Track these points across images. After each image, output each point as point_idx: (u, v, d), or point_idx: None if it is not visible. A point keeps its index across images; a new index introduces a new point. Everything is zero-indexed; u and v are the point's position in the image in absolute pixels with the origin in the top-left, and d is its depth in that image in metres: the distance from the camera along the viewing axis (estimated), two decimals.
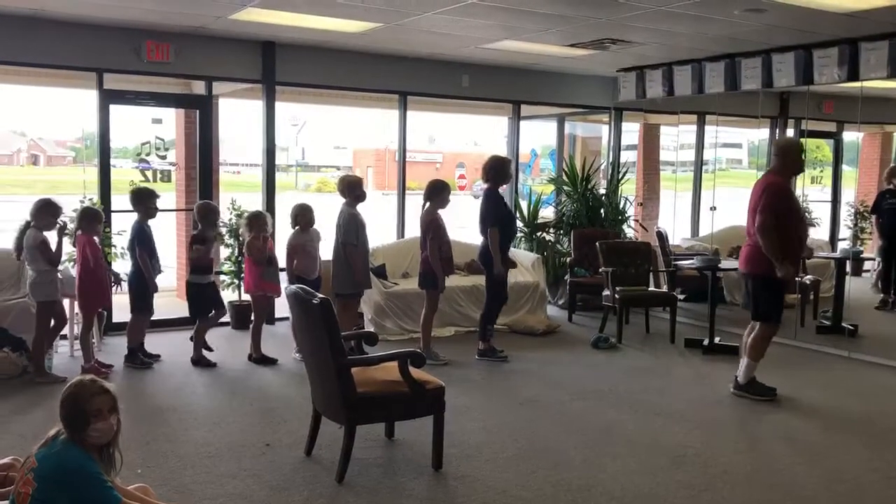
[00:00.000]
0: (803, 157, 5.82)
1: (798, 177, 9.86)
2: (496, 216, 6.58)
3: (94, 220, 6.10)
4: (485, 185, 6.81)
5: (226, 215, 7.80)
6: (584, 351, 7.16)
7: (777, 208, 5.42)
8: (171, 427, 4.97)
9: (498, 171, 6.71)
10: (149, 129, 7.62)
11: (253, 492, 3.97)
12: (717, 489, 4.14)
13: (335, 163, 41.75)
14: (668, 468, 4.41)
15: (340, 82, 8.29)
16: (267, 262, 6.52)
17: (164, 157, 7.64)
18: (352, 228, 6.46)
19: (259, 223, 6.53)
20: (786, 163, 5.62)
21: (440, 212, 6.66)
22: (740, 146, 15.58)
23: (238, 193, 8.37)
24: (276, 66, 7.79)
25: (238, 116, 14.57)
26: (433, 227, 6.55)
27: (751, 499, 4.04)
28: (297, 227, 6.53)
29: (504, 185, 7.14)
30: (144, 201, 6.37)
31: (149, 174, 7.60)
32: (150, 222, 6.42)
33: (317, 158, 41.71)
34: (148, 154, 7.59)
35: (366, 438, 4.63)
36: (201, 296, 6.48)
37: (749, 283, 5.74)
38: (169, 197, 8.78)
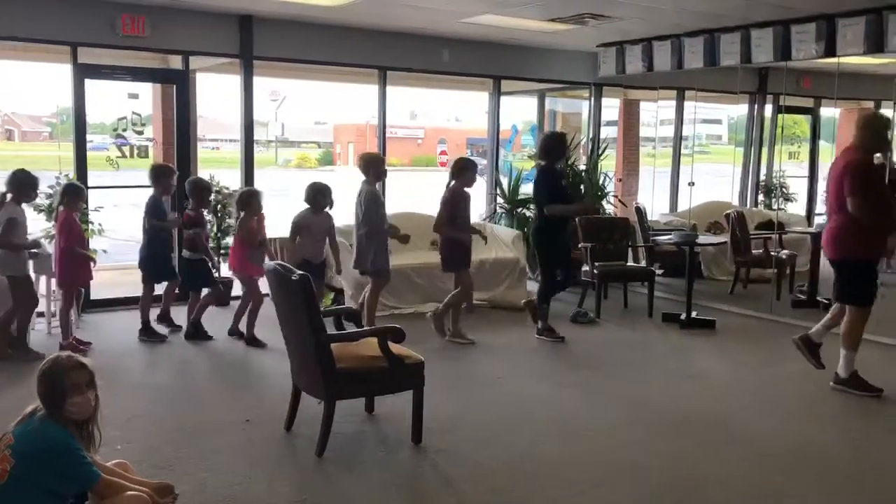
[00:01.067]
0: (888, 132, 5.46)
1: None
2: (549, 195, 6.41)
3: (77, 195, 6.06)
4: (541, 163, 6.61)
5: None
6: (564, 326, 7.20)
7: (863, 188, 5.05)
8: (151, 403, 4.97)
9: (552, 147, 6.57)
10: (125, 104, 7.53)
11: (233, 466, 3.99)
12: (695, 461, 4.22)
13: (315, 138, 41.49)
14: (646, 440, 4.48)
15: (319, 57, 8.22)
16: (258, 244, 6.38)
17: (140, 133, 7.55)
18: (373, 207, 6.35)
19: (253, 202, 6.37)
20: (865, 137, 5.23)
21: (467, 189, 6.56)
22: (720, 122, 15.65)
23: (218, 169, 8.32)
24: (254, 40, 7.70)
25: (217, 91, 14.47)
26: (453, 202, 6.41)
27: (713, 454, 4.13)
28: (308, 208, 6.32)
29: (559, 162, 6.86)
30: (162, 179, 6.43)
31: (126, 150, 7.52)
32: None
33: (297, 134, 41.39)
34: (124, 130, 7.50)
35: (346, 413, 4.65)
36: (195, 271, 6.51)
37: (839, 269, 5.37)
38: (146, 173, 8.71)
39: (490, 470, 4.04)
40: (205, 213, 6.76)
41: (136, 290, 6.68)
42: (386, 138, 8.98)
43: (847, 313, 5.30)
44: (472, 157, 7.07)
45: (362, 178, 6.47)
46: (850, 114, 11.06)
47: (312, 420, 4.28)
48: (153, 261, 6.51)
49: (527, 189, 9.89)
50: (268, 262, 4.45)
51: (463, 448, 4.30)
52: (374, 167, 6.47)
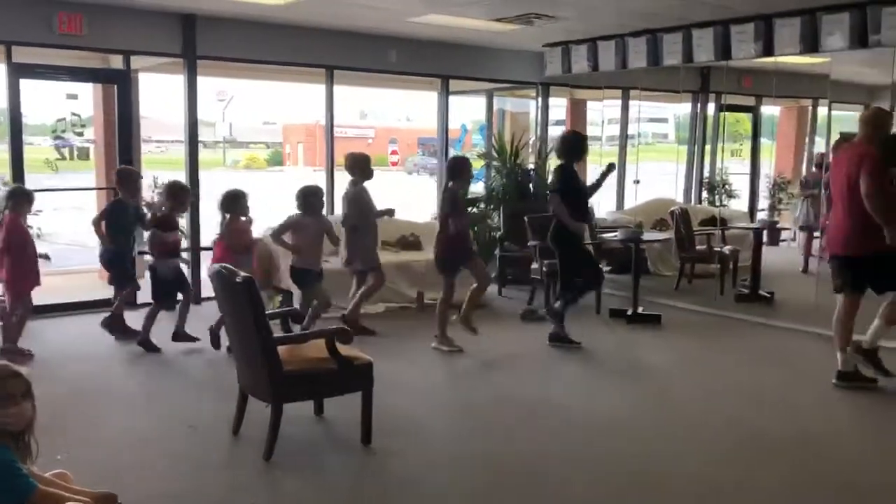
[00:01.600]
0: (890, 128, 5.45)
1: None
2: (560, 186, 6.31)
3: (25, 200, 5.90)
4: (560, 162, 6.52)
5: (147, 194, 7.63)
6: (514, 324, 7.27)
7: (880, 177, 5.04)
8: (93, 411, 4.86)
9: (572, 147, 6.48)
10: (64, 104, 7.35)
11: (179, 473, 3.93)
12: (642, 453, 4.29)
13: (264, 139, 41.00)
14: (597, 436, 4.54)
15: (265, 56, 8.13)
16: (244, 249, 6.05)
17: (80, 134, 7.38)
18: (356, 207, 6.32)
19: (237, 204, 6.04)
20: (875, 133, 5.24)
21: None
22: (667, 121, 15.93)
23: (164, 171, 8.18)
24: (198, 39, 7.58)
25: (161, 91, 14.20)
26: (458, 205, 6.25)
27: (662, 446, 4.21)
28: (300, 211, 6.10)
29: (577, 162, 6.64)
30: (129, 182, 6.35)
31: (66, 152, 7.34)
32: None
33: (245, 134, 40.84)
34: (64, 131, 7.32)
35: (294, 416, 4.60)
36: (165, 279, 6.25)
37: (876, 263, 5.21)
38: (88, 175, 8.53)
39: (439, 469, 4.05)
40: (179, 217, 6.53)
41: (83, 294, 6.49)
42: (334, 138, 8.92)
43: (839, 303, 5.37)
44: (464, 155, 7.03)
45: (349, 178, 6.49)
46: (790, 111, 11.39)
47: (260, 423, 4.24)
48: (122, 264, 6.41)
49: (476, 188, 9.93)
50: (211, 266, 4.36)
51: (413, 448, 4.30)
52: (360, 167, 6.46)
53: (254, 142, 40.78)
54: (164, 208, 6.35)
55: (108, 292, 6.64)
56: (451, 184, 6.34)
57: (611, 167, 6.68)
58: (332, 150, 8.88)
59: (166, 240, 6.20)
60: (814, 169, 9.24)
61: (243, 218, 6.08)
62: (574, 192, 6.38)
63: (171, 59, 7.72)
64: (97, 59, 7.75)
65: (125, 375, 5.67)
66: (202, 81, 7.77)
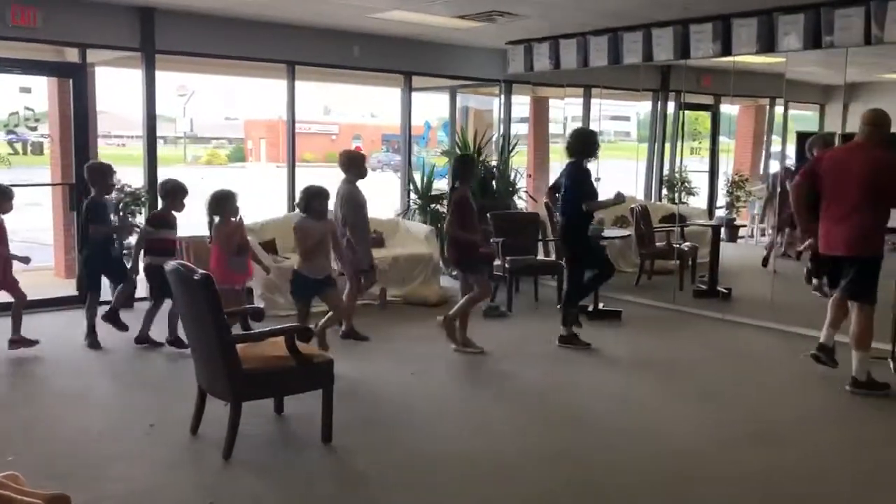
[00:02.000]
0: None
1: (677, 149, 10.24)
2: (583, 191, 6.23)
3: (4, 196, 5.80)
4: (572, 160, 6.38)
5: None
6: (476, 320, 7.27)
7: None
8: (50, 411, 4.78)
9: (586, 143, 6.38)
10: (17, 98, 7.19)
11: (136, 473, 3.88)
12: (599, 449, 4.34)
13: (226, 134, 40.53)
14: (558, 425, 4.58)
15: (225, 51, 8.03)
16: (237, 250, 5.81)
17: (34, 129, 7.22)
18: (352, 207, 6.19)
19: (226, 205, 5.76)
20: (884, 134, 5.26)
21: None
22: (629, 119, 16.08)
23: (123, 167, 8.02)
24: (156, 33, 7.46)
25: (120, 86, 13.98)
26: (463, 207, 6.06)
27: (618, 441, 4.27)
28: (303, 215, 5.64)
29: (590, 159, 6.52)
30: (100, 178, 6.10)
31: (19, 147, 7.18)
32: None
33: (206, 130, 40.32)
34: (17, 125, 7.16)
35: (254, 415, 4.58)
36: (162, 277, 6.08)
37: (860, 266, 5.22)
38: (42, 171, 8.35)
39: (399, 466, 4.05)
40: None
41: (41, 292, 6.35)
42: (295, 134, 8.87)
43: (859, 313, 5.24)
44: (469, 154, 6.97)
45: (342, 176, 6.37)
46: (748, 110, 11.56)
47: (220, 422, 4.20)
48: (93, 265, 6.20)
49: (440, 185, 9.95)
50: (168, 263, 4.30)
51: (373, 445, 4.30)
52: (355, 166, 6.37)
53: (215, 137, 40.29)
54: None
55: (64, 290, 6.52)
56: (457, 185, 6.20)
57: (619, 198, 6.58)
58: (293, 147, 8.81)
59: (160, 237, 6.02)
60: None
61: (233, 219, 5.83)
62: (587, 195, 6.33)
63: (129, 53, 7.60)
64: (52, 53, 7.58)
65: (82, 374, 5.57)
66: (162, 76, 7.67)
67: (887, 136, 5.34)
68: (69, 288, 7.46)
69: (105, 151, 8.48)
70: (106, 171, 6.20)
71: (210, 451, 4.15)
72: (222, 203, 5.76)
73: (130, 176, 7.66)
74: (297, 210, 5.88)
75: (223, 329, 3.97)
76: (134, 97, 7.74)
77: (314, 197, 5.57)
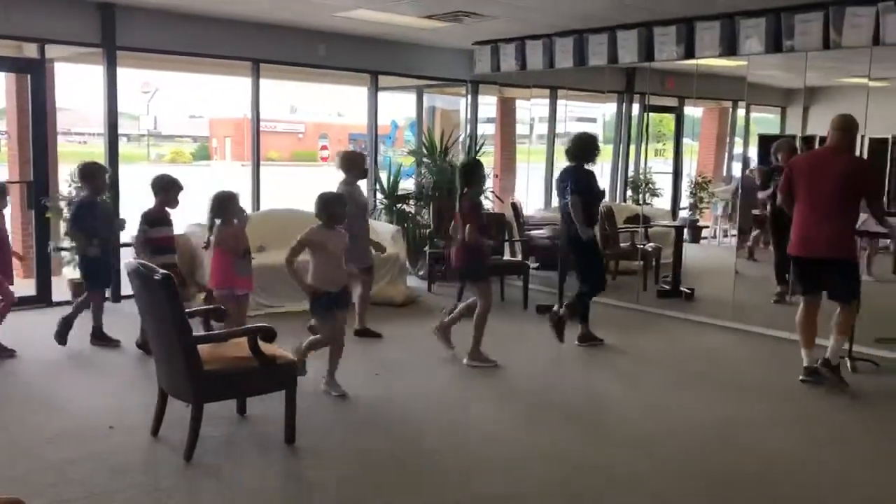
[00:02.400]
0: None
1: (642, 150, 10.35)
2: (584, 189, 6.23)
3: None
4: (572, 164, 6.37)
5: (64, 188, 7.37)
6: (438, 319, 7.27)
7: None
8: (5, 413, 4.67)
9: (583, 149, 6.34)
10: None
11: (94, 476, 3.81)
12: (570, 447, 4.37)
13: (190, 132, 40.05)
14: (524, 428, 4.60)
15: (189, 48, 7.94)
16: (243, 253, 5.54)
17: None
18: (352, 207, 5.98)
19: (229, 208, 5.45)
20: (853, 138, 5.48)
21: None
22: (595, 121, 16.20)
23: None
24: (117, 29, 7.35)
25: (82, 82, 13.75)
26: (479, 212, 6.01)
27: (588, 440, 4.30)
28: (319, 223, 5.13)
29: (590, 163, 6.42)
30: (91, 178, 5.97)
31: None
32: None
33: (170, 128, 39.81)
34: None
35: (216, 416, 4.53)
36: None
37: (842, 268, 5.38)
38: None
39: (363, 466, 4.03)
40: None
41: None
42: (260, 132, 8.79)
43: (845, 310, 5.39)
44: (477, 158, 7.00)
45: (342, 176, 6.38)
46: (711, 112, 11.72)
47: (181, 424, 4.14)
48: (97, 264, 6.04)
49: (407, 184, 9.93)
50: (129, 262, 4.22)
51: (337, 446, 4.28)
52: (355, 167, 6.41)
53: (180, 135, 39.79)
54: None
55: (22, 290, 6.38)
56: (466, 190, 6.02)
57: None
58: (258, 145, 8.74)
59: (155, 236, 5.79)
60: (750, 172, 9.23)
61: (236, 221, 5.55)
62: (593, 196, 6.33)
63: (89, 49, 7.47)
64: (10, 48, 7.43)
65: (40, 375, 5.46)
66: (125, 73, 7.56)
67: (855, 141, 5.53)
68: (28, 288, 7.32)
69: (65, 149, 8.30)
70: (100, 172, 6.03)
71: (171, 454, 4.09)
72: (224, 204, 5.46)
73: None
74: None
75: (184, 329, 3.92)
76: (93, 94, 7.61)
77: (333, 204, 5.12)
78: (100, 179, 6.06)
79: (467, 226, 5.81)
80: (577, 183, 6.25)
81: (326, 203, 5.08)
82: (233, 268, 5.50)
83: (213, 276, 5.59)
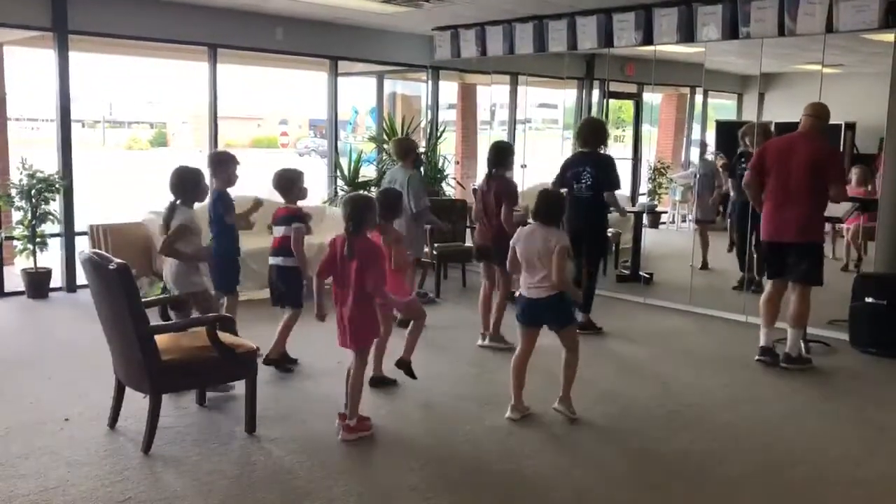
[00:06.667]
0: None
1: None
2: (615, 177, 6.46)
3: None
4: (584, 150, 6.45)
5: (15, 176, 7.19)
6: None
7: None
8: None
9: (594, 133, 6.47)
10: None
11: (49, 470, 3.74)
12: (518, 431, 4.40)
13: (148, 119, 39.29)
14: (481, 414, 4.62)
15: (143, 32, 7.77)
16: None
17: None
18: (421, 192, 6.42)
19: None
20: (825, 125, 5.56)
21: None
22: (556, 107, 16.25)
23: (36, 151, 7.70)
24: (69, 12, 7.16)
25: (33, 67, 13.37)
26: (512, 192, 5.98)
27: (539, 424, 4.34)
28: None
29: (602, 148, 6.58)
30: (221, 168, 5.38)
31: None
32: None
33: (127, 114, 38.99)
34: None
35: (176, 407, 4.50)
36: (288, 281, 5.48)
37: (809, 252, 5.50)
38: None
39: (324, 456, 4.01)
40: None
41: None
42: (218, 118, 8.65)
43: (802, 295, 5.50)
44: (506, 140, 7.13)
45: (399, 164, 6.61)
46: (670, 99, 11.84)
47: (140, 415, 4.08)
48: (229, 265, 5.41)
49: (367, 171, 9.86)
50: (83, 252, 4.14)
51: (298, 436, 4.25)
52: (413, 153, 6.72)
53: (136, 121, 39.02)
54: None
55: None
56: (494, 170, 6.02)
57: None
58: (216, 131, 8.60)
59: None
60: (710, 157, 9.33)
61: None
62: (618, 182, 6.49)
63: (40, 33, 7.27)
64: None
65: None
66: (79, 57, 7.35)
67: (826, 128, 5.62)
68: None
69: (18, 136, 8.10)
70: (229, 160, 5.45)
71: (129, 446, 4.04)
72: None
73: (43, 161, 7.36)
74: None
75: (141, 320, 3.85)
76: (45, 78, 7.41)
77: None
78: (229, 168, 5.41)
79: (502, 207, 5.86)
80: (608, 173, 6.38)
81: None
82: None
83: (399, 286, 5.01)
